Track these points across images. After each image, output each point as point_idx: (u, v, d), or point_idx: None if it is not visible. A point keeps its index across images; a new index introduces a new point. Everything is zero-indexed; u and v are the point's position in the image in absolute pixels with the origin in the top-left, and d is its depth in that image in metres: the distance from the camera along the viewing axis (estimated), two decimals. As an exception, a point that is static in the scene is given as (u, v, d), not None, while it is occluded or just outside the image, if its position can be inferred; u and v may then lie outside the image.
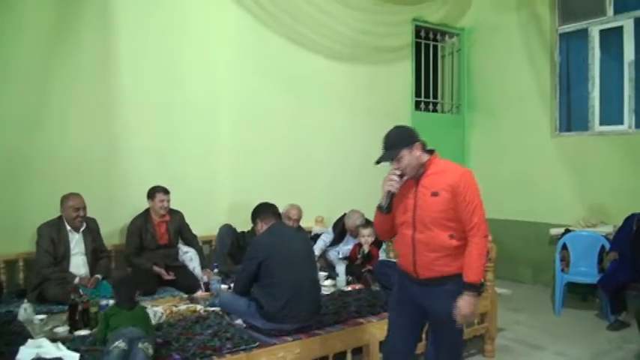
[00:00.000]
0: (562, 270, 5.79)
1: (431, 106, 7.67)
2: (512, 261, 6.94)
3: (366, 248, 5.05)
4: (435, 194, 2.82)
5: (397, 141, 2.90)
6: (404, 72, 7.25)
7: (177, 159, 5.45)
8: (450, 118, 7.90)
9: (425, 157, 2.91)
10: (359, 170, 6.54)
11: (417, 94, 7.47)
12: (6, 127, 4.62)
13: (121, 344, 2.93)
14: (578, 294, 6.03)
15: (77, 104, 4.91)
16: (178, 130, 5.47)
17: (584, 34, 6.59)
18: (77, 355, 3.02)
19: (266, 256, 3.56)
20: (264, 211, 3.93)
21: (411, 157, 2.86)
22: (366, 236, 5.07)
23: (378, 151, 6.76)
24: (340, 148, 6.58)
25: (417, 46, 7.47)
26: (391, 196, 2.91)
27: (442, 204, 2.81)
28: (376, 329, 3.84)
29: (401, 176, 2.90)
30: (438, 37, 7.71)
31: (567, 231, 6.12)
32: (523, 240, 7.01)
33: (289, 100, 6.12)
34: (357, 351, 3.84)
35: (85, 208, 4.56)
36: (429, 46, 7.61)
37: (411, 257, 2.89)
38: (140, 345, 2.97)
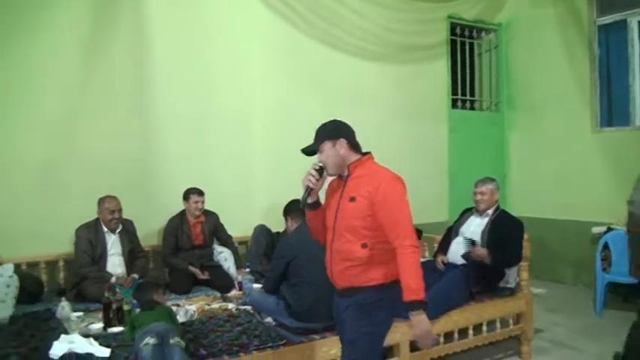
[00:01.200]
0: (603, 269, 5.64)
1: (468, 104, 7.57)
2: (552, 261, 6.81)
3: None
4: (352, 199, 2.63)
5: (323, 133, 2.79)
6: (439, 70, 7.17)
7: (211, 161, 5.52)
8: (489, 115, 7.77)
9: (352, 157, 2.74)
10: (395, 170, 6.50)
11: (454, 92, 7.39)
12: (47, 134, 4.79)
13: (150, 340, 2.98)
14: (619, 294, 5.82)
15: (113, 111, 5.04)
16: (212, 133, 5.54)
17: (623, 25, 6.41)
18: (108, 351, 3.10)
19: (294, 256, 3.61)
20: (294, 208, 4.02)
21: (332, 151, 2.72)
22: None
23: (413, 152, 6.76)
24: (374, 148, 6.45)
25: (453, 43, 7.38)
26: (309, 190, 2.70)
27: (358, 211, 2.60)
28: (407, 329, 3.83)
29: (320, 171, 2.72)
30: (474, 33, 7.61)
31: (609, 229, 5.95)
32: (564, 239, 6.85)
33: (321, 102, 6.11)
34: (387, 350, 3.79)
35: (120, 210, 4.69)
36: (464, 44, 7.53)
37: (329, 265, 2.73)
38: (172, 341, 3.03)
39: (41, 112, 4.77)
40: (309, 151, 2.82)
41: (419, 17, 6.89)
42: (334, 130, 2.78)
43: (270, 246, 5.26)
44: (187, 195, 5.05)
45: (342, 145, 2.73)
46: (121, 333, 3.52)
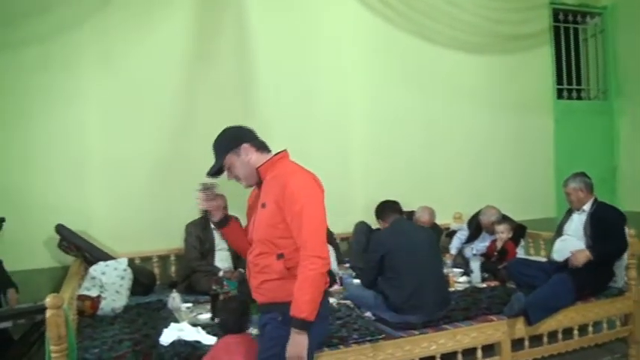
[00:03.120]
0: None
1: (574, 94, 7.26)
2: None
3: (499, 245, 4.96)
4: (263, 206, 2.38)
5: (221, 146, 2.48)
6: (543, 59, 6.91)
7: (313, 160, 5.56)
8: (597, 105, 7.41)
9: (261, 160, 2.47)
10: (496, 165, 6.45)
11: (559, 81, 7.12)
12: (159, 136, 5.14)
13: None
14: None
15: (219, 115, 5.17)
16: (314, 134, 5.68)
17: None
18: (214, 339, 3.29)
19: (387, 250, 3.67)
20: (384, 209, 4.08)
21: (239, 162, 2.44)
22: (502, 232, 4.97)
23: (516, 146, 6.60)
24: (476, 143, 6.45)
25: (556, 30, 7.10)
26: (206, 212, 2.40)
27: (268, 218, 2.35)
28: (509, 327, 3.80)
29: (207, 189, 2.54)
30: (578, 18, 7.28)
31: None
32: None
33: (421, 98, 6.11)
34: (488, 348, 3.82)
35: (225, 207, 4.91)
36: (568, 30, 7.23)
37: (248, 279, 2.50)
38: None
39: (153, 116, 5.12)
40: (214, 173, 2.51)
41: (518, 5, 6.69)
42: (232, 139, 2.49)
43: (369, 242, 5.35)
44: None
45: (247, 151, 2.46)
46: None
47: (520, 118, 6.70)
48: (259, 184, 2.49)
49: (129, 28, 5.05)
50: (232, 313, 2.97)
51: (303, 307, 2.24)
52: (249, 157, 2.44)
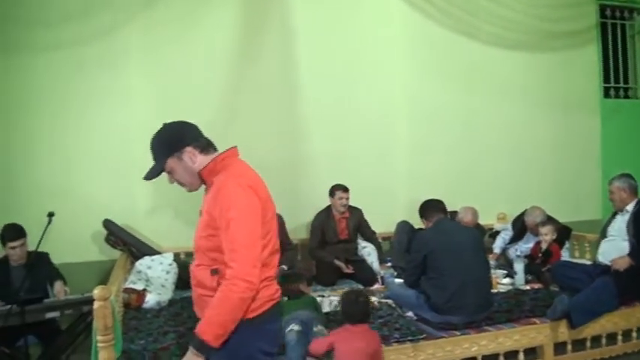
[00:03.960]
0: None
1: (622, 92, 7.08)
2: None
3: (543, 246, 4.89)
4: (200, 214, 2.13)
5: (161, 148, 2.14)
6: (589, 57, 6.77)
7: (355, 159, 5.72)
8: (645, 104, 7.22)
9: (204, 162, 2.14)
10: (541, 165, 6.39)
11: (606, 79, 6.95)
12: (206, 134, 5.19)
13: (295, 327, 3.23)
14: None
15: (264, 113, 5.39)
16: (356, 132, 5.72)
17: None
18: None
19: (430, 250, 3.68)
20: (428, 208, 4.07)
21: (181, 167, 2.12)
22: (546, 234, 4.90)
23: (561, 146, 6.48)
24: (520, 142, 6.37)
25: (603, 27, 6.93)
26: None
27: (202, 228, 2.10)
28: (551, 330, 3.76)
29: None
30: (626, 14, 7.08)
31: None
32: None
33: (464, 96, 6.08)
34: (530, 352, 3.78)
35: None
36: (615, 26, 7.04)
37: (192, 288, 2.20)
38: (315, 329, 3.26)
39: (196, 114, 5.17)
40: (152, 176, 2.17)
41: (564, 1, 6.57)
42: (174, 141, 2.14)
43: (411, 242, 5.32)
44: (333, 191, 5.26)
45: (190, 155, 2.13)
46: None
47: (565, 118, 6.59)
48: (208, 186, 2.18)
49: (173, 28, 5.16)
50: (355, 304, 3.13)
51: (210, 329, 1.96)
52: (192, 161, 2.13)
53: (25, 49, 4.78)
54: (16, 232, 4.05)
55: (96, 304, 2.80)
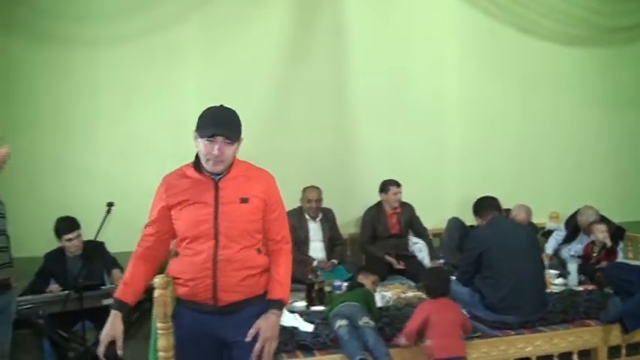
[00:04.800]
0: None
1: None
2: None
3: (597, 245, 4.83)
4: (244, 201, 2.34)
5: (238, 126, 2.40)
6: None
7: (407, 155, 5.71)
8: None
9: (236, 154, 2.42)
10: (595, 163, 6.24)
11: (666, 77, 6.72)
12: (257, 130, 5.21)
13: (342, 322, 3.29)
14: None
15: (315, 109, 5.41)
16: (408, 128, 5.70)
17: None
18: (312, 326, 3.41)
19: (485, 248, 3.67)
20: (483, 206, 4.06)
21: (236, 150, 2.38)
22: (600, 233, 4.84)
23: (619, 144, 6.31)
24: (574, 140, 6.23)
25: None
26: None
27: (251, 213, 2.36)
28: (605, 333, 3.73)
29: None
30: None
31: None
32: None
33: (518, 93, 5.99)
34: (583, 354, 3.74)
35: (318, 200, 5.08)
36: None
37: (209, 280, 2.30)
38: (360, 322, 3.29)
39: (249, 111, 5.27)
40: (236, 139, 2.37)
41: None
42: (240, 127, 2.42)
43: (462, 239, 5.31)
44: (386, 187, 5.28)
45: (240, 144, 2.42)
46: (322, 312, 3.80)
47: (621, 115, 6.40)
48: (205, 175, 2.38)
49: (228, 25, 5.22)
50: (438, 278, 3.38)
51: (286, 290, 2.41)
52: (238, 150, 2.41)
53: (87, 43, 4.91)
54: (70, 224, 4.16)
55: (156, 293, 2.87)
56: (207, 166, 2.33)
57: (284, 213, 2.51)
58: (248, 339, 2.28)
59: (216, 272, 2.29)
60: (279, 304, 2.37)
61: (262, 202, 2.38)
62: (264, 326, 2.29)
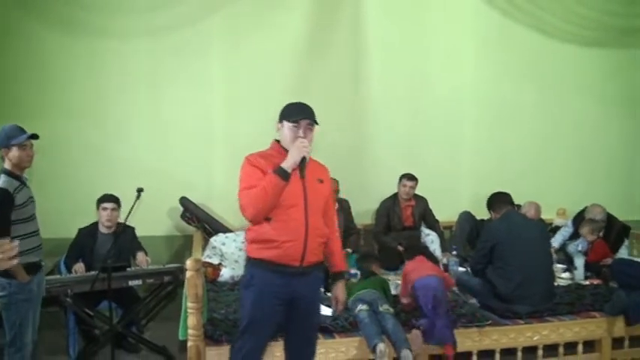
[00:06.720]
0: None
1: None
2: None
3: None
4: (321, 181, 2.81)
5: (314, 115, 2.80)
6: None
7: (423, 151, 5.87)
8: None
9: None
10: (605, 162, 6.36)
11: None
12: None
13: (362, 306, 3.47)
14: None
15: (333, 103, 5.48)
16: (425, 124, 5.85)
17: None
18: (330, 310, 3.48)
19: (498, 241, 3.82)
20: (496, 200, 4.20)
21: (312, 137, 2.80)
22: (585, 231, 5.01)
23: (628, 142, 6.34)
24: (585, 139, 6.34)
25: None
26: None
27: (324, 194, 2.83)
28: (610, 325, 3.87)
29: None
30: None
31: None
32: None
33: (534, 92, 6.10)
34: (588, 344, 3.89)
35: (335, 191, 5.14)
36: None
37: (301, 243, 2.66)
38: (381, 308, 3.46)
39: (273, 101, 5.40)
40: (314, 121, 2.79)
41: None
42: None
43: (473, 232, 5.44)
44: (400, 179, 5.43)
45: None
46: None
47: (633, 115, 6.51)
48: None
49: (252, 20, 5.37)
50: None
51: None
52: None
53: (118, 35, 5.08)
54: (112, 197, 4.34)
55: (188, 274, 3.08)
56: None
57: (333, 206, 2.97)
58: (333, 309, 3.07)
59: (307, 236, 2.68)
60: (342, 275, 2.98)
61: (329, 186, 2.89)
62: (339, 294, 2.94)
